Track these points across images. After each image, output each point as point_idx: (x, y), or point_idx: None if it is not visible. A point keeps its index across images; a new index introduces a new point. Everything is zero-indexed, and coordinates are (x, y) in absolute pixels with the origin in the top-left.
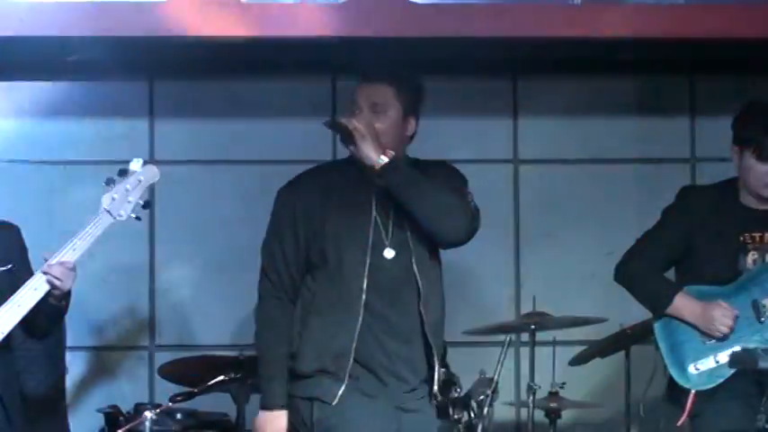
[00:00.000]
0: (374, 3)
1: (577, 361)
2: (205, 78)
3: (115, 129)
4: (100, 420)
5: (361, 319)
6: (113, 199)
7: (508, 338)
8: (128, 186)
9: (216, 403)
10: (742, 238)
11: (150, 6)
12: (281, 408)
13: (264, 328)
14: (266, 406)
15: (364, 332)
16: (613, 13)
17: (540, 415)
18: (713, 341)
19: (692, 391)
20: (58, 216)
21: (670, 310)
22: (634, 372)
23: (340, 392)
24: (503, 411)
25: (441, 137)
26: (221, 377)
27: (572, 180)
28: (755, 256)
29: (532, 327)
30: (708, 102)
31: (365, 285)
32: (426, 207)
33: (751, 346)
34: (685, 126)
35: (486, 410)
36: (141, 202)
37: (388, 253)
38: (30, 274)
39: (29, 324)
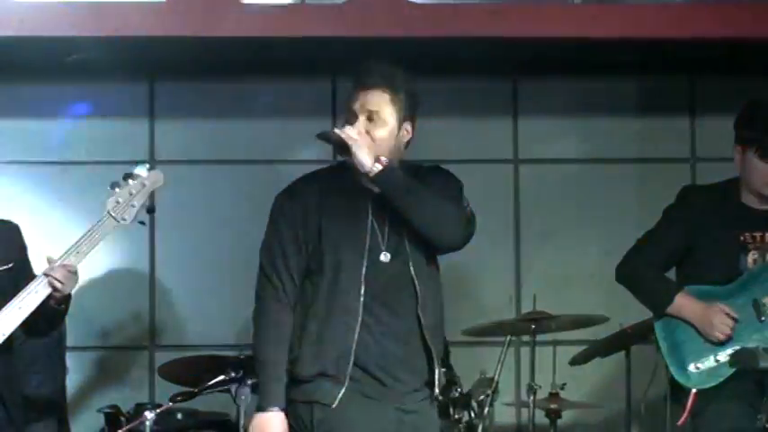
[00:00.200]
0: (374, 3)
1: (577, 361)
2: (205, 78)
3: (115, 129)
4: (100, 420)
5: (360, 321)
6: (117, 203)
7: (508, 338)
8: (132, 191)
9: (216, 403)
10: (742, 238)
11: (150, 6)
12: (281, 409)
13: (266, 331)
14: (264, 407)
15: (364, 335)
16: (613, 13)
17: (540, 415)
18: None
19: (693, 391)
20: (57, 216)
21: (670, 309)
22: (634, 372)
23: (340, 395)
24: (503, 411)
25: (441, 137)
26: (221, 377)
27: (572, 180)
28: (756, 255)
29: (532, 327)
30: (708, 102)
31: (363, 289)
32: (422, 213)
33: (751, 345)
34: (685, 126)
35: (486, 410)
36: (145, 207)
37: (384, 257)
38: (30, 272)
39: (28, 325)
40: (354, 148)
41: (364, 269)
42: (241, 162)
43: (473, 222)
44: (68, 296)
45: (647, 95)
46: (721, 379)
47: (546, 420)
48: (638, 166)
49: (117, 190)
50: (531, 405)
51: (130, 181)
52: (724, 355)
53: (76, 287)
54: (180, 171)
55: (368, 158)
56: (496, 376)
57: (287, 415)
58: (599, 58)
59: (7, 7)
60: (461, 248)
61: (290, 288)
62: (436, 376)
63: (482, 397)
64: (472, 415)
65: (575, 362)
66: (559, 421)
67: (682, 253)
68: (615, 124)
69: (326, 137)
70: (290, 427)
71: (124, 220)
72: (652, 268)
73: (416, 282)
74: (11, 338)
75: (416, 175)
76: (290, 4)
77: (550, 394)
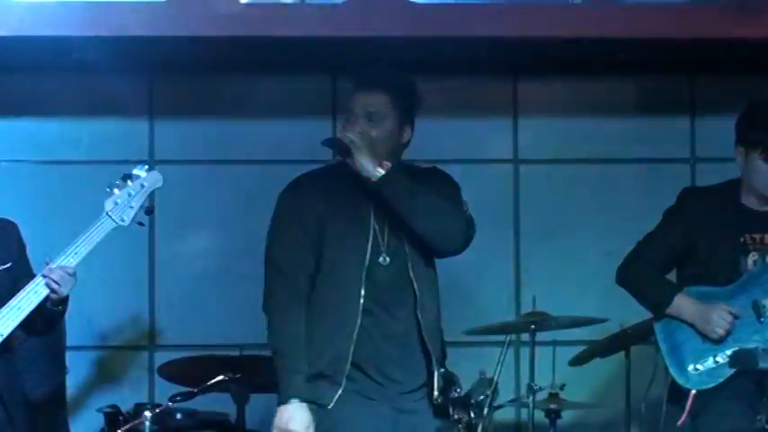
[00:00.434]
0: (374, 3)
1: (577, 361)
2: (205, 78)
3: (115, 128)
4: (100, 420)
5: (359, 322)
6: (116, 204)
7: (508, 338)
8: (131, 192)
9: (216, 403)
10: (743, 240)
11: (150, 6)
12: (302, 400)
13: (283, 325)
14: (288, 399)
15: (362, 336)
16: (613, 13)
17: (540, 415)
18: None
19: (693, 391)
20: (57, 216)
21: (670, 310)
22: (634, 372)
23: (337, 396)
24: (503, 411)
25: (441, 137)
26: (221, 377)
27: (572, 180)
28: (756, 257)
29: (532, 327)
30: (708, 102)
31: (363, 291)
32: (422, 219)
33: (751, 346)
34: (685, 126)
35: (486, 411)
36: (144, 208)
37: (384, 259)
38: (29, 271)
39: (27, 325)
40: (357, 154)
41: (365, 271)
42: (241, 162)
43: (473, 226)
44: (66, 298)
45: (647, 95)
46: (721, 380)
47: (546, 420)
48: (638, 166)
49: (116, 191)
50: (531, 405)
51: (129, 182)
52: (723, 356)
53: (76, 287)
54: (179, 171)
55: (371, 164)
56: (496, 376)
57: None
58: (599, 58)
59: (7, 7)
60: (461, 252)
61: (303, 284)
62: (435, 378)
63: (482, 397)
64: (472, 415)
65: (575, 362)
66: (559, 421)
67: (682, 255)
68: (615, 124)
69: (331, 143)
70: None
71: (123, 221)
72: (652, 270)
73: (415, 283)
74: (10, 338)
75: (414, 176)
76: (290, 4)
77: (550, 394)
